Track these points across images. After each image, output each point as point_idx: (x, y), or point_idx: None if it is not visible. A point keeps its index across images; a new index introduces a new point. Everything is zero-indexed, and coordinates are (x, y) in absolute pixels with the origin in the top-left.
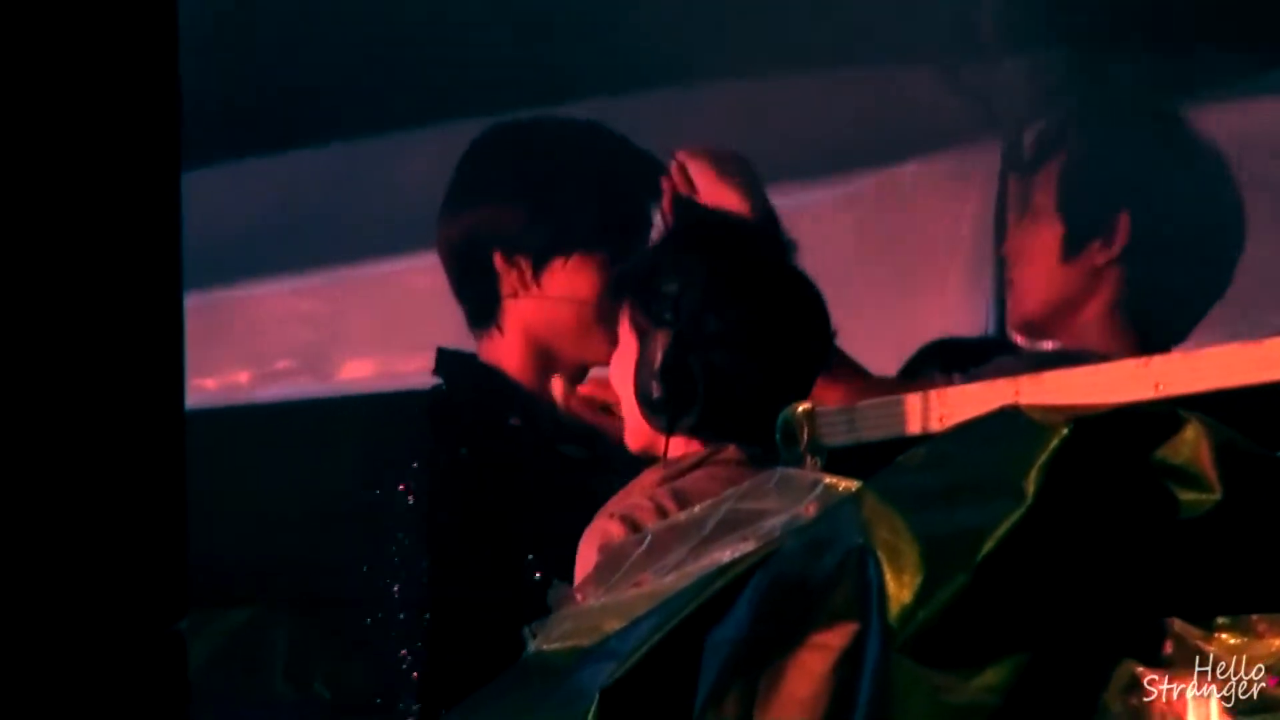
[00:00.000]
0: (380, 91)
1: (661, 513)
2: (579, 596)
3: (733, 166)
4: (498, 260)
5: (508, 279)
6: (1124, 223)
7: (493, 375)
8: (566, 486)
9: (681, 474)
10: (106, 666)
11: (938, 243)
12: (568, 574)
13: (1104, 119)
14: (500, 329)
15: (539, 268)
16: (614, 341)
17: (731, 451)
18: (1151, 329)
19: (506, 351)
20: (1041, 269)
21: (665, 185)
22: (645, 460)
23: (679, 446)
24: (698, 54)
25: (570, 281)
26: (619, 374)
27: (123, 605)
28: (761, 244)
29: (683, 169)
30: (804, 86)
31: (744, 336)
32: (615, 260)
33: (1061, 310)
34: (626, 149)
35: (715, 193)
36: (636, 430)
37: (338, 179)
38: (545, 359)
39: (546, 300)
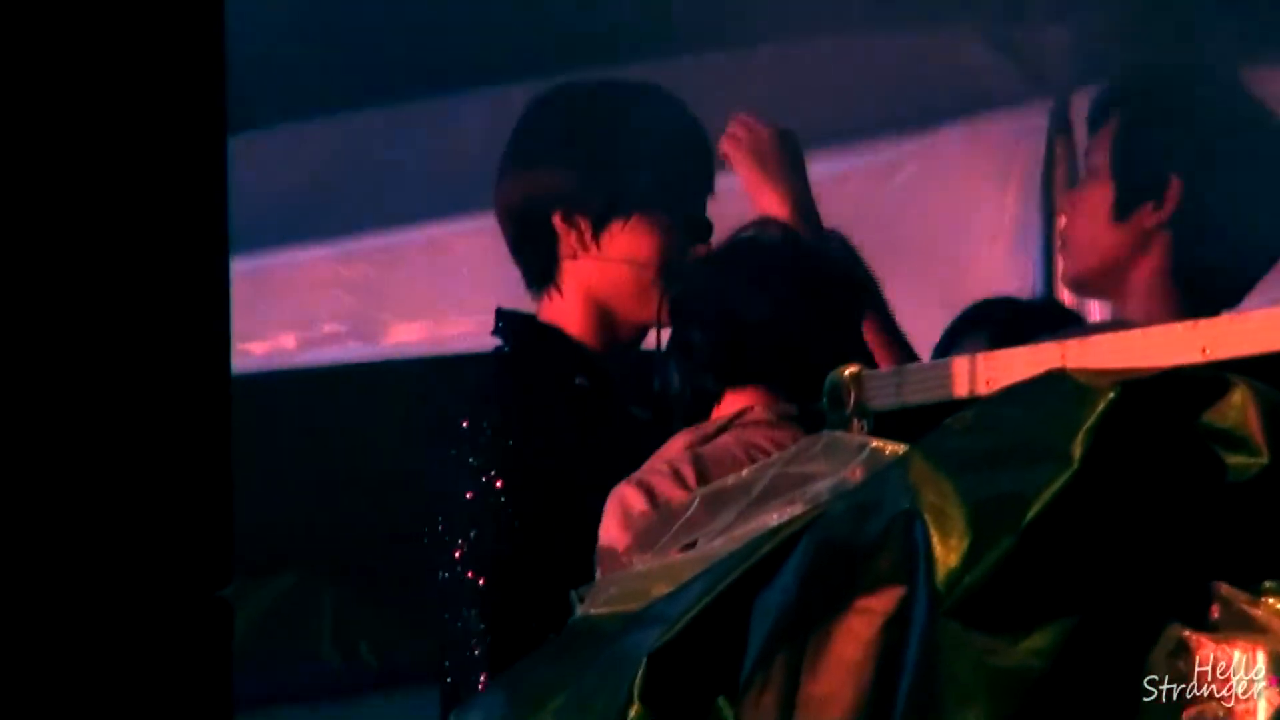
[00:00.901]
0: (429, 52)
1: (679, 479)
2: (625, 559)
3: (782, 144)
4: (557, 221)
5: (567, 240)
6: (1175, 187)
7: (554, 336)
8: (634, 447)
9: (708, 439)
10: (152, 632)
11: (984, 207)
12: None
13: (1159, 82)
14: (560, 290)
15: (598, 229)
16: None
17: (758, 412)
18: (1202, 294)
19: (566, 312)
20: (1093, 228)
21: (724, 147)
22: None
23: (731, 404)
24: (744, 18)
25: (630, 243)
26: None
27: (169, 571)
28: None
29: (736, 137)
30: (848, 49)
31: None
32: (674, 222)
33: (1111, 271)
34: (683, 111)
35: (761, 168)
36: None
37: (385, 142)
38: (606, 320)
39: (607, 262)
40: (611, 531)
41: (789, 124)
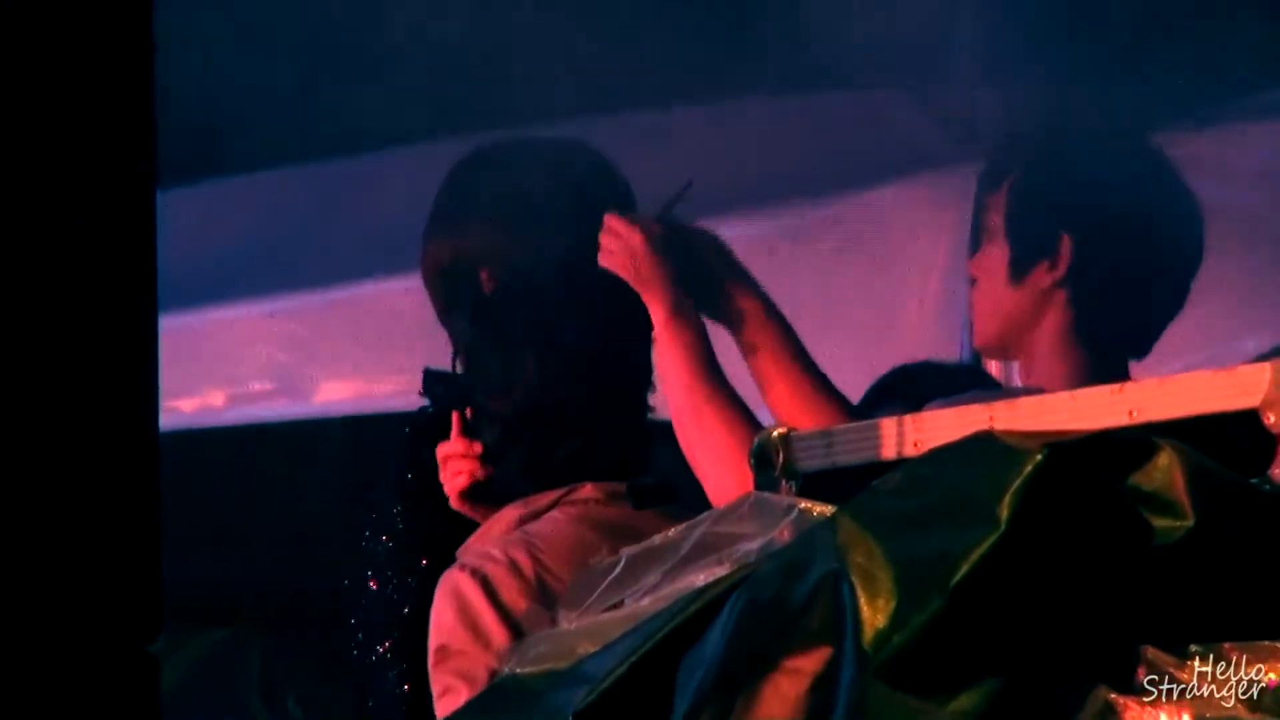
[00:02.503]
0: (356, 111)
1: (514, 569)
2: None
3: (654, 245)
4: (483, 279)
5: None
6: (1067, 244)
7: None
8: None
9: (537, 515)
10: (79, 686)
11: (915, 266)
12: None
13: (1050, 141)
14: None
15: None
16: None
17: (588, 490)
18: (1106, 348)
19: None
20: (994, 290)
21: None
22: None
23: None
24: (673, 77)
25: None
26: None
27: (96, 625)
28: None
29: (608, 250)
30: (777, 109)
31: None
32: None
33: (1015, 332)
34: (607, 167)
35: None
36: None
37: (314, 200)
38: None
39: None
40: (448, 621)
41: (716, 184)
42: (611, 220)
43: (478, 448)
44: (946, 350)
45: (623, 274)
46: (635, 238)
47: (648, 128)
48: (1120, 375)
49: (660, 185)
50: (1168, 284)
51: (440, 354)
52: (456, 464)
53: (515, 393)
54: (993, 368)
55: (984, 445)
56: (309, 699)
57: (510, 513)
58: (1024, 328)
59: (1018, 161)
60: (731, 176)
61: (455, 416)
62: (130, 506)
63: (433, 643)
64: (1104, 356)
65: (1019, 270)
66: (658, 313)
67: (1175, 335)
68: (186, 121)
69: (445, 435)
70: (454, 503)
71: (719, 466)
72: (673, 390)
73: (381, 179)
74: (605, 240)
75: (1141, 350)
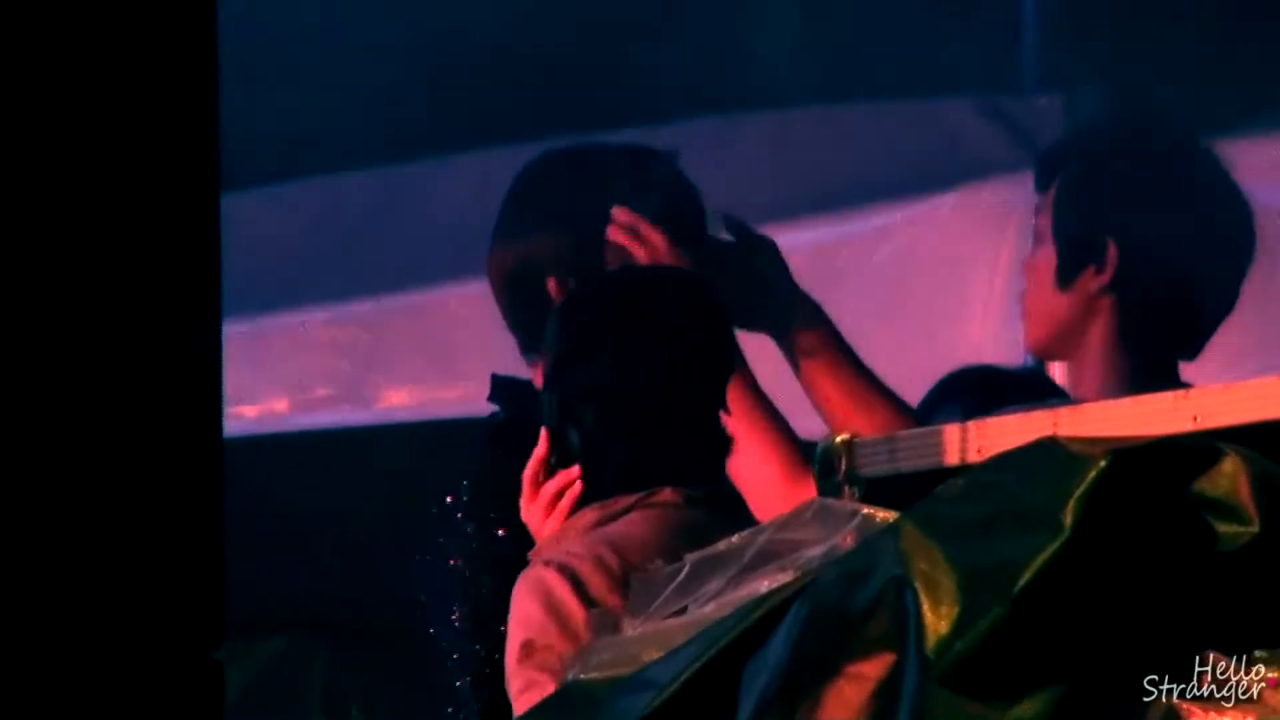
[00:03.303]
0: (423, 117)
1: (601, 564)
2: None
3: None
4: (551, 286)
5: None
6: (1113, 250)
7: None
8: None
9: (615, 517)
10: (142, 694)
11: (975, 277)
12: None
13: (1098, 145)
14: None
15: None
16: None
17: (667, 494)
18: (1154, 353)
19: None
20: (1043, 295)
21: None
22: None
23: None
24: (736, 84)
25: None
26: None
27: (159, 633)
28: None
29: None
30: (840, 118)
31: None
32: None
33: (1063, 335)
34: (675, 171)
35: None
36: None
37: (379, 205)
38: None
39: None
40: (534, 616)
41: (777, 192)
42: (624, 216)
43: (576, 470)
44: (1010, 357)
45: (637, 246)
46: (657, 239)
47: (710, 135)
48: (1170, 379)
49: (723, 192)
50: (1217, 288)
51: (503, 360)
52: (557, 484)
53: (604, 400)
54: (1055, 373)
55: (1047, 451)
56: (371, 709)
57: (588, 515)
58: (1072, 332)
59: (1066, 165)
60: (794, 184)
61: (544, 434)
62: (194, 512)
63: (514, 640)
64: (1152, 360)
65: (1066, 275)
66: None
67: (1231, 341)
68: (250, 126)
69: (514, 441)
70: (543, 517)
71: (753, 473)
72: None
73: (445, 184)
74: (623, 238)
75: (1190, 353)
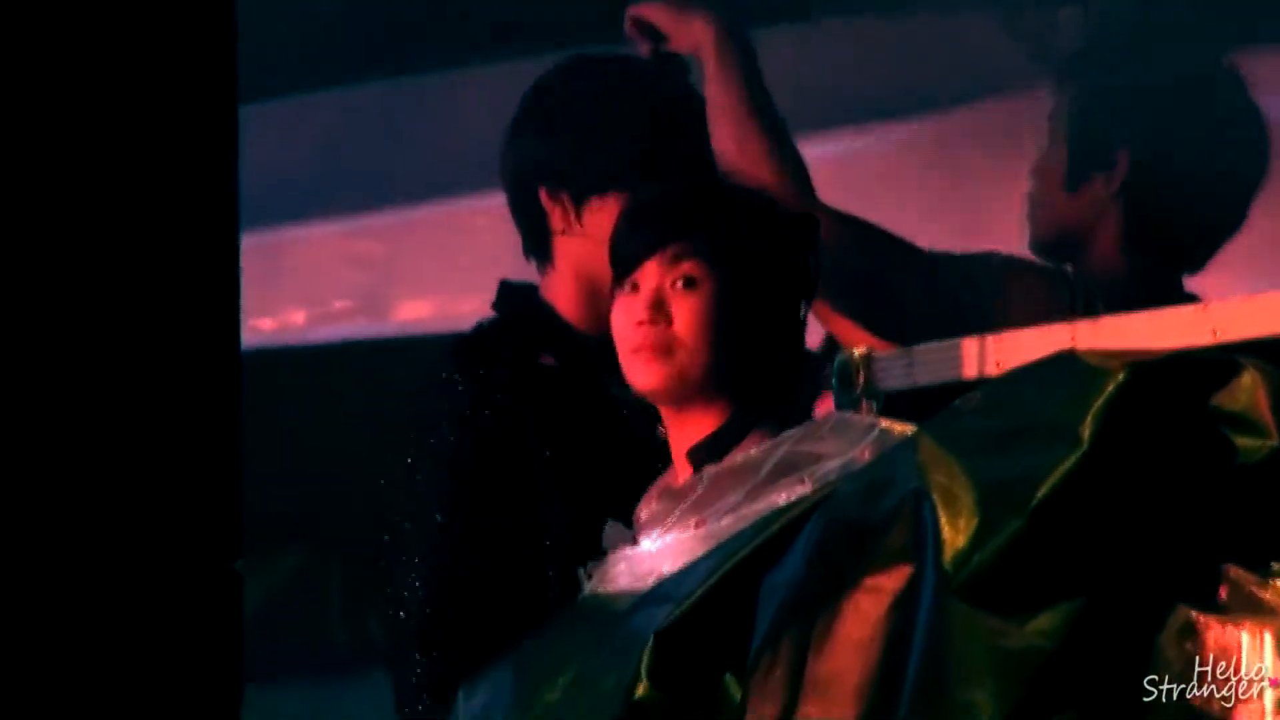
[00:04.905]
0: (441, 26)
1: None
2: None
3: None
4: (543, 196)
5: (554, 216)
6: (1124, 159)
7: (538, 312)
8: (604, 429)
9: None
10: (162, 606)
11: (993, 191)
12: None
13: (1116, 55)
14: (555, 267)
15: (579, 206)
16: None
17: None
18: (1158, 260)
19: (560, 290)
20: (1050, 194)
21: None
22: None
23: None
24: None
25: (609, 222)
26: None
27: (178, 545)
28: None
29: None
30: (859, 31)
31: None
32: None
33: (1069, 237)
34: (685, 88)
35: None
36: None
37: (396, 116)
38: (595, 299)
39: (589, 240)
40: None
41: (799, 105)
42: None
43: None
44: None
45: (654, 11)
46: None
47: None
48: (1173, 289)
49: None
50: (1227, 202)
51: (521, 272)
52: None
53: None
54: None
55: (1066, 365)
56: None
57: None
58: (1078, 235)
59: (1083, 71)
60: (815, 98)
61: None
62: (212, 426)
63: None
64: (1156, 269)
65: (1075, 179)
66: (707, 36)
67: (1246, 254)
68: (268, 38)
69: (481, 353)
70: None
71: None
72: (721, 120)
73: (464, 96)
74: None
75: (1196, 264)
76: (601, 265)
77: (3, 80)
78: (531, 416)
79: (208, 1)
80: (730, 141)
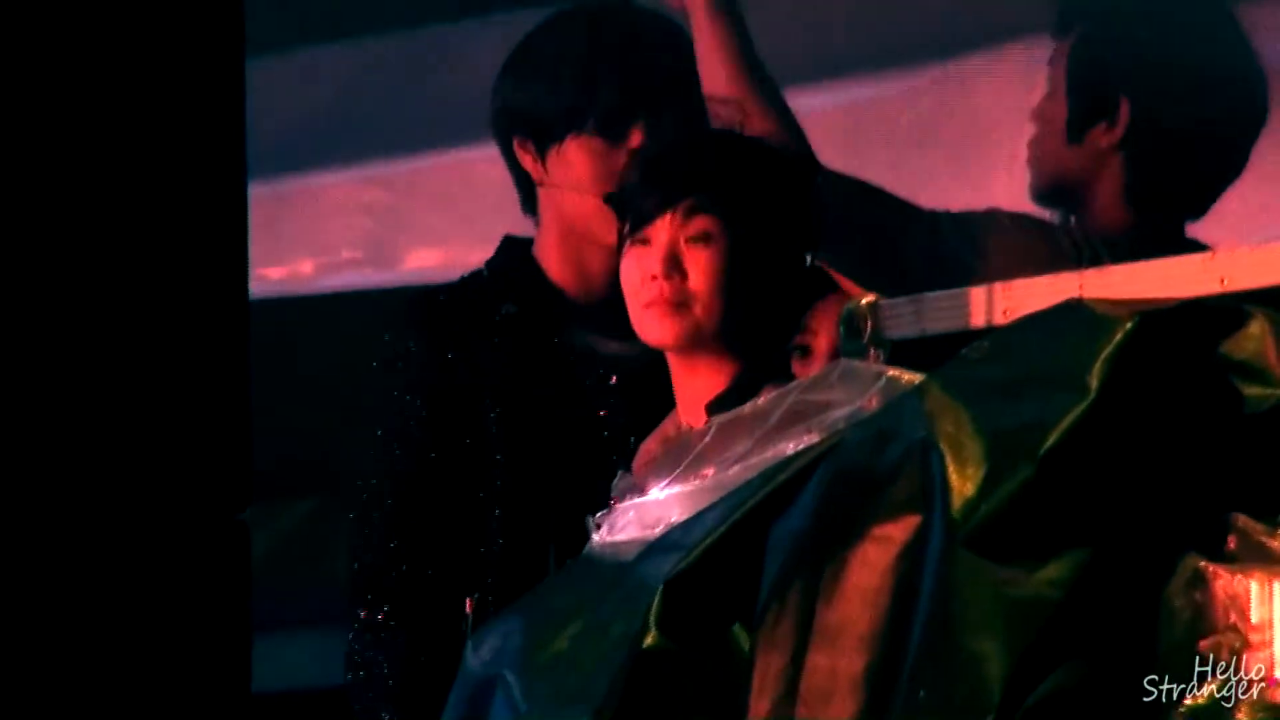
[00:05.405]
0: None
1: None
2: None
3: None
4: (516, 147)
5: (526, 165)
6: (1125, 108)
7: (514, 261)
8: (558, 378)
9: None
10: (171, 554)
11: (1004, 137)
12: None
13: (1117, 2)
14: (539, 218)
15: (543, 154)
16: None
17: None
18: (1161, 209)
19: (544, 241)
20: (1052, 144)
21: None
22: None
23: None
24: None
25: (566, 169)
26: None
27: (187, 493)
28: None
29: None
30: None
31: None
32: (614, 146)
33: (1070, 187)
34: (651, 25)
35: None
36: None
37: (405, 66)
38: (575, 248)
39: (556, 188)
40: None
41: (807, 53)
42: None
43: None
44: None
45: None
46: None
47: None
48: (1176, 236)
49: None
50: (1228, 151)
51: (525, 222)
52: None
53: None
54: None
55: (1074, 313)
56: None
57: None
58: (1080, 185)
59: (1085, 18)
60: (821, 47)
61: None
62: (220, 375)
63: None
64: (1159, 217)
65: (1077, 129)
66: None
67: (1252, 202)
68: None
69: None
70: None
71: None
72: (712, 75)
73: (471, 47)
74: None
75: (1198, 212)
76: (575, 213)
77: (10, 24)
78: (481, 368)
79: None
80: (723, 92)
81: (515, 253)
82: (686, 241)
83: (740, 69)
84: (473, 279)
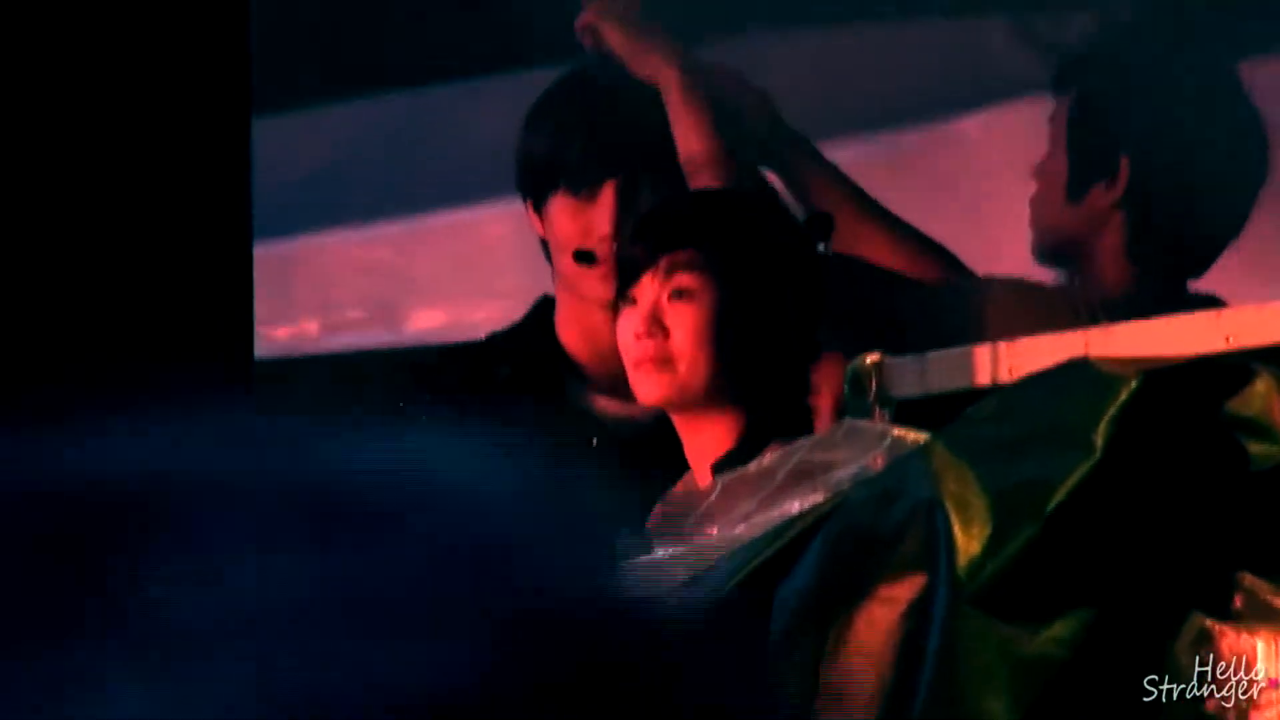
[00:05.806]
0: (455, 36)
1: None
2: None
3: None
4: (527, 205)
5: (534, 224)
6: (1125, 166)
7: (529, 322)
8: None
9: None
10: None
11: (1005, 198)
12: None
13: (1116, 60)
14: (555, 274)
15: (540, 213)
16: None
17: None
18: (1162, 268)
19: (558, 301)
20: (1052, 203)
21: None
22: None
23: None
24: (766, 4)
25: (551, 226)
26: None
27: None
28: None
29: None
30: (870, 38)
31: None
32: (579, 202)
33: (1072, 247)
34: (629, 87)
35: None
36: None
37: (410, 126)
38: (579, 308)
39: (554, 247)
40: None
41: (810, 112)
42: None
43: None
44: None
45: (611, 34)
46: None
47: (745, 55)
48: (1178, 295)
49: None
50: (1228, 209)
51: (538, 280)
52: None
53: None
54: None
55: (1079, 372)
56: None
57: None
58: (1081, 244)
59: (1085, 76)
60: (823, 105)
61: None
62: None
63: None
64: (1160, 275)
65: (1077, 188)
66: (669, 78)
67: (1255, 261)
68: (282, 48)
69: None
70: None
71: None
72: (689, 147)
73: (476, 107)
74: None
75: (1199, 270)
76: (565, 271)
77: (17, 88)
78: (481, 423)
79: (223, 13)
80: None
81: (537, 314)
82: (668, 299)
83: (714, 139)
84: (483, 341)
